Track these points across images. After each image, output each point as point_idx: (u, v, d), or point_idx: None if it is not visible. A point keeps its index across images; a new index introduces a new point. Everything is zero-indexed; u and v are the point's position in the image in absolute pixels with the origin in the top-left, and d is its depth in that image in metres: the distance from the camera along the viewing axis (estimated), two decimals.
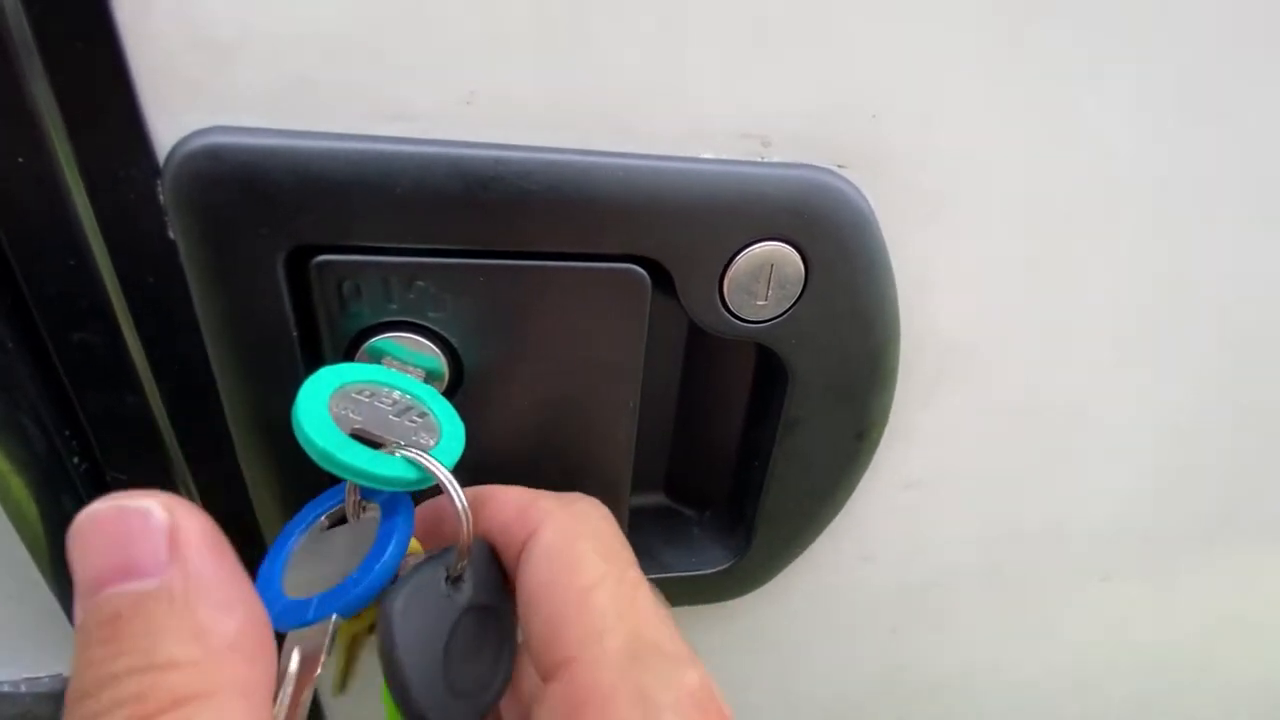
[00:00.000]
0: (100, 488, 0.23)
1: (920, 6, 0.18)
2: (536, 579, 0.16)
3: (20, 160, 0.16)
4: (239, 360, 0.19)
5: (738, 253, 0.20)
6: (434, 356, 0.20)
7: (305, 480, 0.20)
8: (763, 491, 0.25)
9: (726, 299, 0.20)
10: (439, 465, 0.17)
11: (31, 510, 0.22)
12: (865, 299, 0.21)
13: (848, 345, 0.22)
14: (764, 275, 0.20)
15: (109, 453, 0.21)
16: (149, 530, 0.12)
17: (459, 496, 0.17)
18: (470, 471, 0.19)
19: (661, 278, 0.20)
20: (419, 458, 0.17)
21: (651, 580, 0.27)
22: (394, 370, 0.19)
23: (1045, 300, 0.24)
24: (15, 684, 0.28)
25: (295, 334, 0.19)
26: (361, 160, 0.17)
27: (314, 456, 0.16)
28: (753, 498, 0.26)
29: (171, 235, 0.18)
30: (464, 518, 0.17)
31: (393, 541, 0.16)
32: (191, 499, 0.23)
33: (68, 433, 0.21)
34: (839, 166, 0.20)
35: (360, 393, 0.18)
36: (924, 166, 0.20)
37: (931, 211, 0.21)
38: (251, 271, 0.17)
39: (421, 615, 0.15)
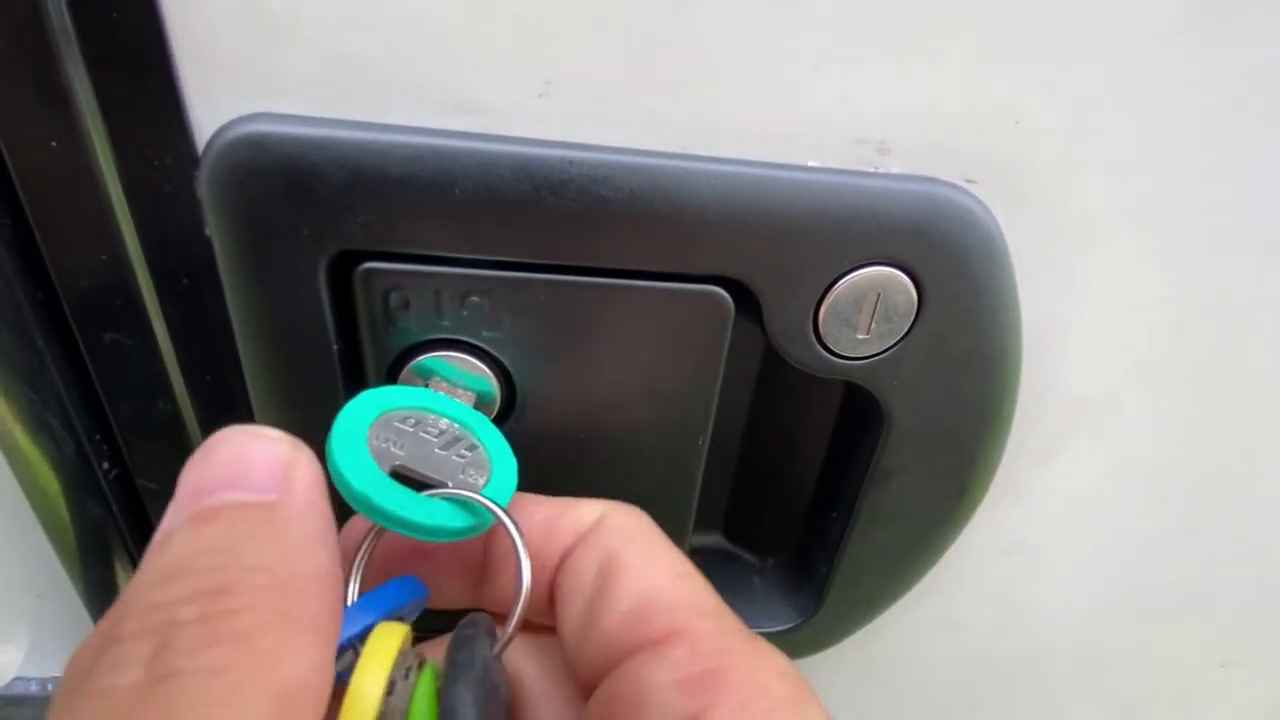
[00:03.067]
0: (129, 495, 0.21)
1: None
2: (619, 560, 0.15)
3: (53, 145, 0.15)
4: (274, 374, 0.17)
5: (840, 277, 0.17)
6: (486, 379, 0.18)
7: (341, 507, 0.18)
8: (841, 546, 0.22)
9: (821, 331, 0.18)
10: (502, 511, 0.14)
11: (61, 511, 0.21)
12: (985, 339, 0.18)
13: (959, 391, 0.19)
14: (868, 305, 0.17)
15: (139, 460, 0.20)
16: (268, 457, 0.12)
17: (523, 552, 0.14)
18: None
19: (743, 300, 0.17)
20: (476, 499, 0.14)
21: None
22: (442, 394, 0.17)
23: (1200, 353, 0.20)
24: (43, 683, 0.27)
25: (336, 348, 0.17)
26: (419, 155, 0.15)
27: (350, 501, 0.14)
28: (828, 552, 0.23)
29: (208, 233, 0.16)
30: (526, 576, 0.14)
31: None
32: None
33: (98, 437, 0.20)
34: (967, 182, 0.17)
35: (404, 420, 0.16)
36: (1073, 187, 0.17)
37: (1076, 241, 0.18)
38: (291, 277, 0.16)
39: (478, 699, 0.13)
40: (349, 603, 0.14)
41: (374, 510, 0.14)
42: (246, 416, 0.19)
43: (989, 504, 0.22)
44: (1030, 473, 0.22)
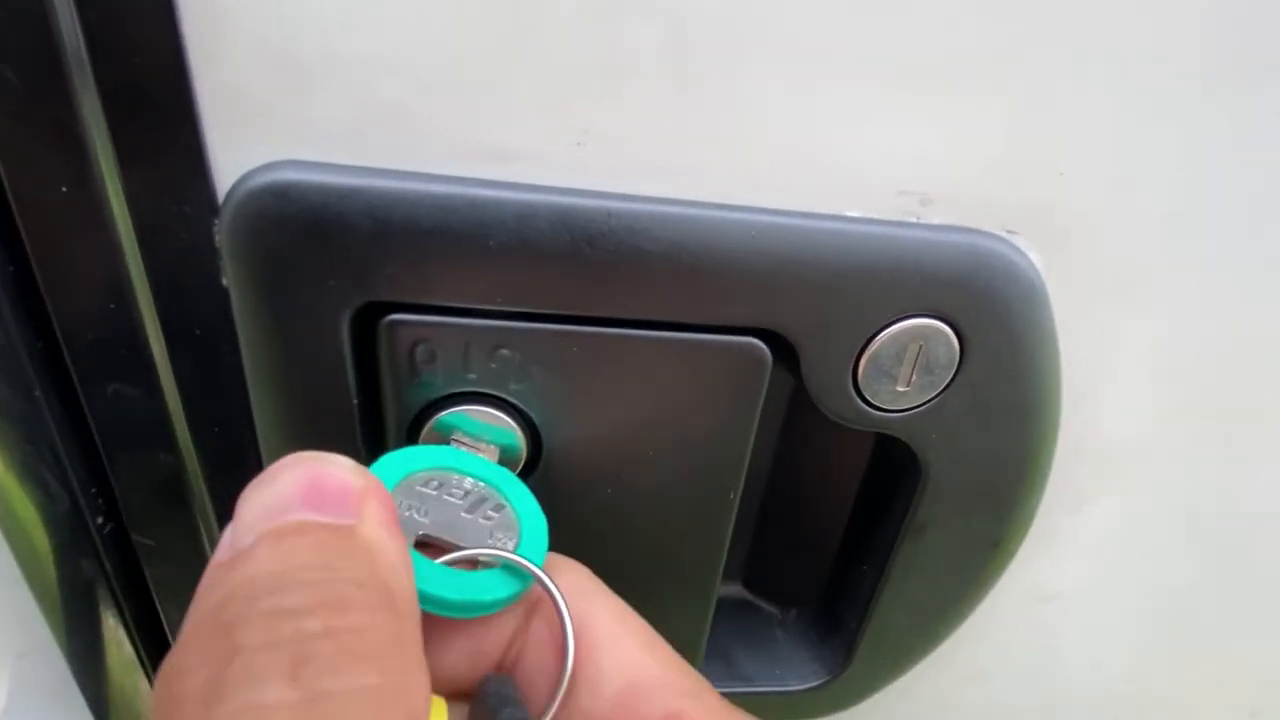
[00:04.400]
0: (124, 551, 0.20)
1: (1126, 42, 0.15)
2: (590, 633, 0.14)
3: (64, 190, 0.14)
4: (289, 430, 0.16)
5: (881, 329, 0.16)
6: (512, 432, 0.17)
7: None
8: (873, 601, 0.21)
9: (860, 384, 0.17)
10: (542, 572, 0.14)
11: (50, 569, 0.20)
12: (1025, 390, 0.18)
13: (998, 443, 0.18)
14: (909, 357, 0.17)
15: (136, 514, 0.19)
16: (342, 481, 0.12)
17: (567, 615, 0.13)
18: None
19: (779, 351, 0.17)
20: (513, 559, 0.14)
21: (725, 694, 0.23)
22: (464, 450, 0.16)
23: (1236, 401, 0.20)
24: None
25: (356, 402, 0.16)
26: (451, 205, 0.14)
27: None
28: (858, 606, 0.22)
29: (225, 283, 0.15)
30: (570, 643, 0.13)
31: None
32: None
33: (94, 490, 0.19)
34: (1009, 233, 0.16)
35: (427, 484, 0.15)
36: (1117, 237, 0.17)
37: (1116, 290, 0.17)
38: (313, 329, 0.15)
39: None
40: None
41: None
42: (255, 470, 0.18)
43: (1023, 553, 0.22)
44: (1061, 521, 0.22)
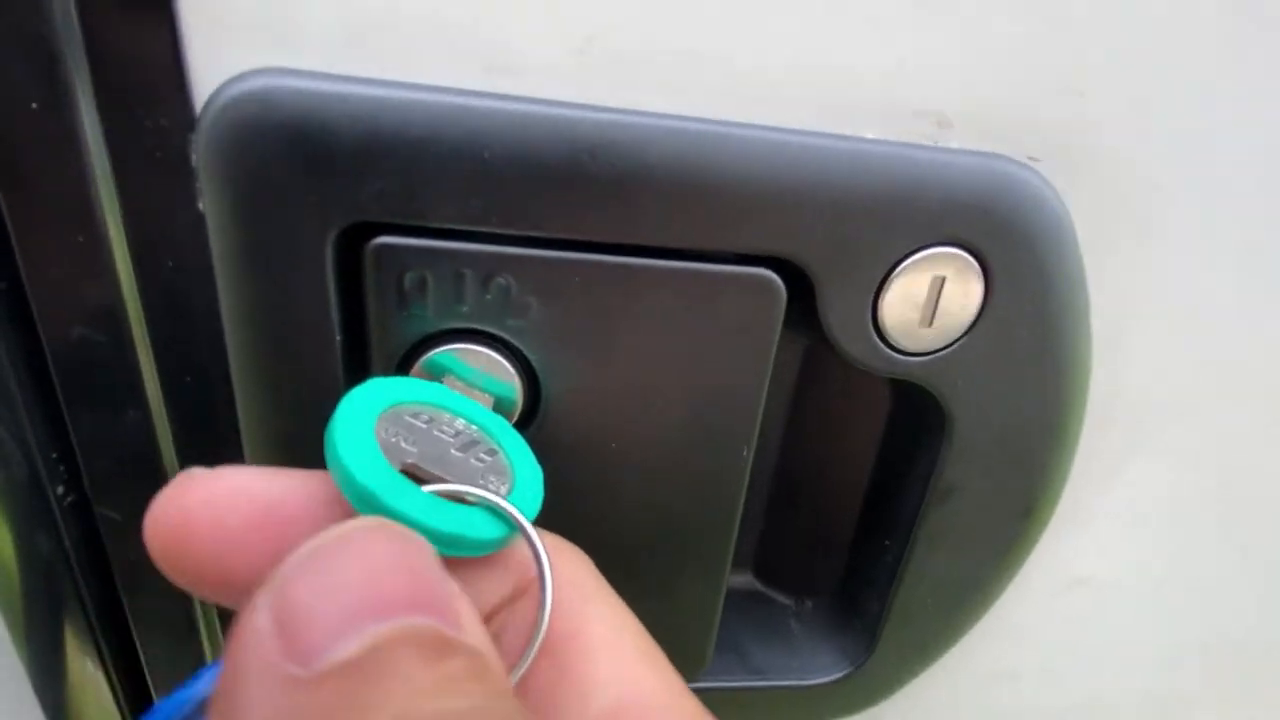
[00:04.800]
0: (85, 526, 0.18)
1: None
2: (582, 633, 0.12)
3: (32, 105, 0.13)
4: (266, 371, 0.15)
5: (901, 260, 0.15)
6: (509, 382, 0.16)
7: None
8: (896, 578, 0.20)
9: (882, 323, 0.16)
10: (528, 523, 0.12)
11: (9, 549, 0.18)
12: (1055, 332, 0.17)
13: (1026, 392, 0.17)
14: (931, 293, 0.16)
15: (100, 482, 0.17)
16: (433, 576, 0.09)
17: (549, 572, 0.12)
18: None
19: (794, 287, 0.16)
20: (500, 504, 0.12)
21: (739, 689, 0.21)
22: (457, 393, 0.15)
23: (1277, 348, 0.19)
24: None
25: (339, 338, 0.15)
26: (445, 115, 0.13)
27: (354, 499, 0.11)
28: (880, 586, 0.21)
29: (201, 207, 0.14)
30: (548, 599, 0.12)
31: None
32: None
33: (55, 455, 0.17)
34: (1030, 159, 0.16)
35: (417, 416, 0.13)
36: (1142, 164, 0.16)
37: (1144, 225, 0.17)
38: (294, 253, 0.14)
39: None
40: None
41: (383, 511, 0.11)
42: (229, 427, 0.16)
43: (1051, 531, 0.20)
44: (1095, 494, 0.20)
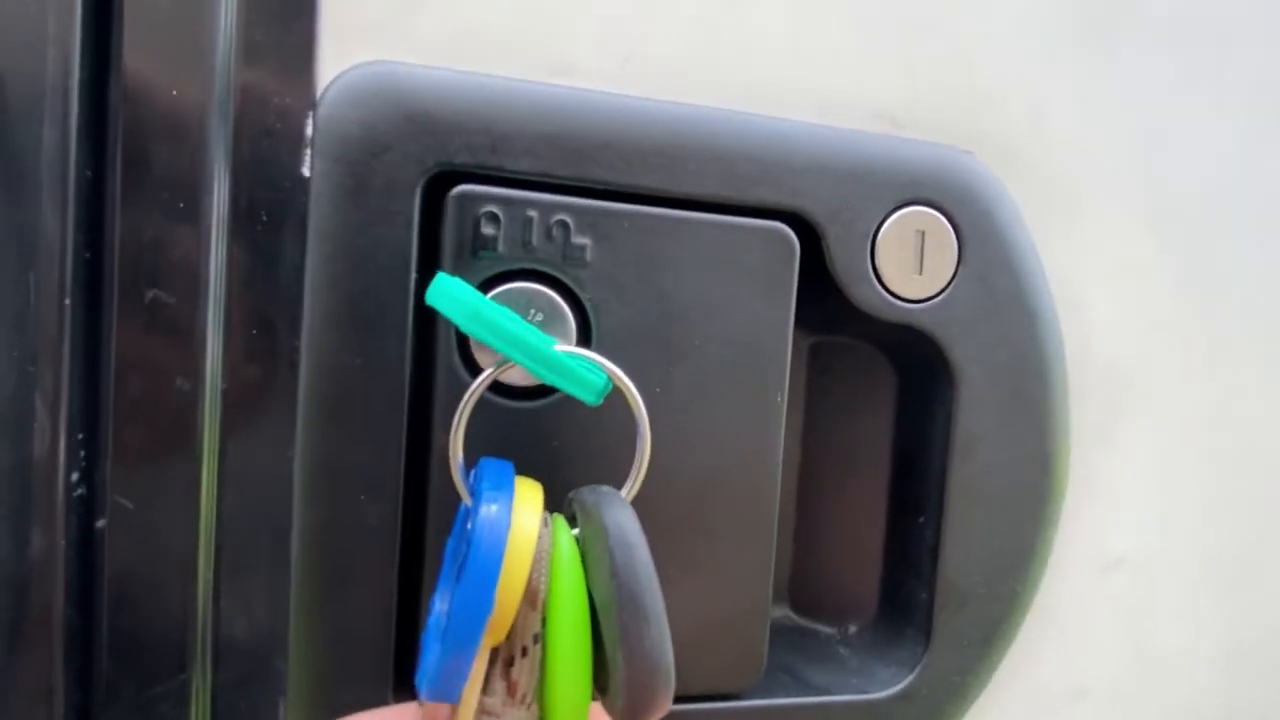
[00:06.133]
0: (85, 526, 0.17)
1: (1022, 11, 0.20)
2: None
3: (174, 94, 0.16)
4: (339, 301, 0.16)
5: (887, 216, 0.19)
6: (564, 319, 0.17)
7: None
8: (939, 556, 0.20)
9: (880, 269, 0.19)
10: (622, 373, 0.13)
11: None
12: (1023, 282, 0.20)
13: (1013, 336, 0.20)
14: (916, 244, 0.19)
15: (125, 457, 0.17)
16: None
17: (643, 411, 0.13)
18: (571, 481, 0.15)
19: (804, 241, 0.18)
20: (596, 359, 0.13)
21: (802, 706, 0.19)
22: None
23: (1210, 315, 0.22)
24: None
25: (414, 276, 0.16)
26: (523, 93, 0.17)
27: (463, 319, 0.12)
28: (924, 570, 0.20)
29: (305, 172, 0.16)
30: (645, 430, 0.12)
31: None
32: (211, 520, 0.17)
33: (81, 436, 0.17)
34: (965, 152, 0.20)
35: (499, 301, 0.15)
36: (1047, 158, 0.21)
37: (1066, 207, 0.21)
38: (387, 194, 0.16)
39: None
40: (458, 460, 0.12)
41: (495, 330, 0.12)
42: (284, 389, 0.17)
43: (1072, 502, 0.21)
44: (1097, 456, 0.22)
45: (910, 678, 0.20)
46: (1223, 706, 0.24)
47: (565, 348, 0.14)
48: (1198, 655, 0.23)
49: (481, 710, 0.13)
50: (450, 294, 0.13)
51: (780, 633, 0.22)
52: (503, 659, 0.13)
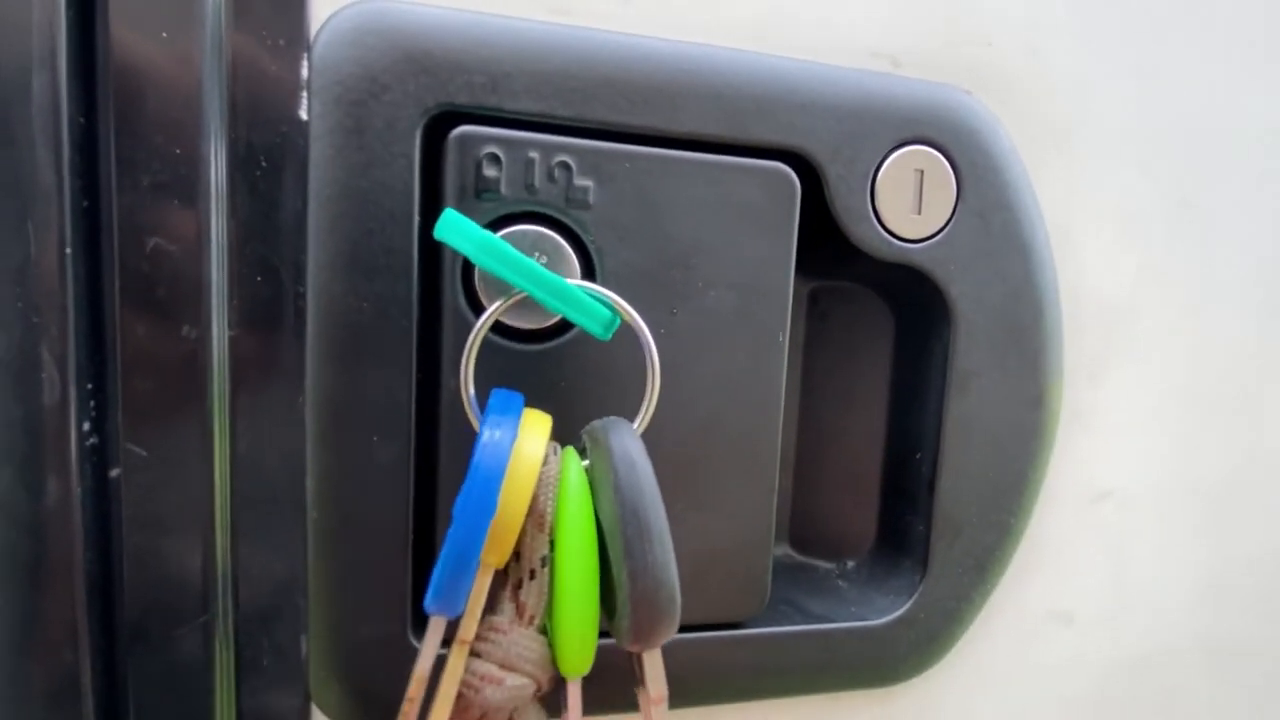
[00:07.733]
0: (100, 474, 0.17)
1: None
2: None
3: (164, 35, 0.16)
4: (343, 243, 0.16)
5: (886, 155, 0.19)
6: (569, 262, 0.17)
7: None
8: (935, 488, 0.20)
9: (879, 209, 0.19)
10: (632, 309, 0.14)
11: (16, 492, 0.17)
12: (1020, 219, 0.20)
13: (1009, 275, 0.20)
14: (914, 184, 0.19)
15: (135, 405, 0.17)
16: None
17: (653, 345, 0.13)
18: (578, 422, 0.15)
19: (805, 182, 0.18)
20: (606, 295, 0.13)
21: (804, 633, 0.20)
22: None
23: (1199, 255, 0.23)
24: None
25: (418, 219, 0.16)
26: (525, 31, 0.17)
27: (475, 252, 0.12)
28: (921, 503, 0.21)
29: (304, 114, 0.16)
30: (655, 364, 0.13)
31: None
32: (225, 471, 0.17)
33: (90, 386, 0.17)
34: (965, 92, 0.20)
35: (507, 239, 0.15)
36: (1044, 98, 0.21)
37: (1060, 144, 0.21)
38: (388, 134, 0.16)
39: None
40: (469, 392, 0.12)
41: (506, 260, 0.12)
42: (291, 333, 0.17)
43: (1063, 438, 0.22)
44: (1089, 394, 0.22)
45: (908, 604, 0.21)
46: (1201, 633, 0.25)
47: (574, 281, 0.14)
48: (1180, 584, 0.25)
49: (490, 628, 0.13)
50: (459, 228, 0.13)
51: (781, 570, 0.23)
52: (511, 582, 0.14)
